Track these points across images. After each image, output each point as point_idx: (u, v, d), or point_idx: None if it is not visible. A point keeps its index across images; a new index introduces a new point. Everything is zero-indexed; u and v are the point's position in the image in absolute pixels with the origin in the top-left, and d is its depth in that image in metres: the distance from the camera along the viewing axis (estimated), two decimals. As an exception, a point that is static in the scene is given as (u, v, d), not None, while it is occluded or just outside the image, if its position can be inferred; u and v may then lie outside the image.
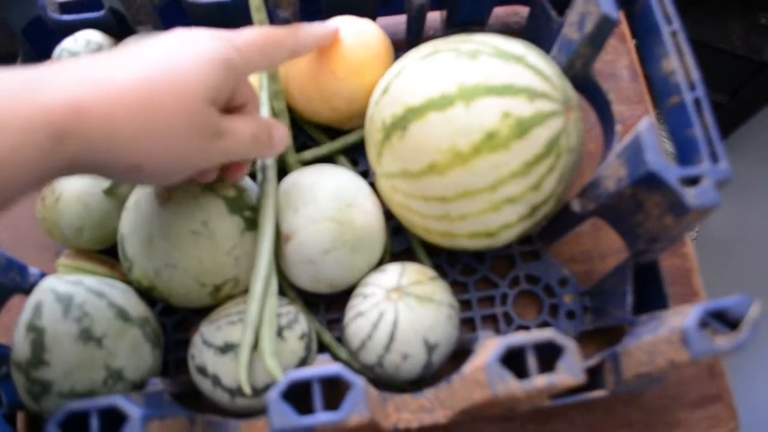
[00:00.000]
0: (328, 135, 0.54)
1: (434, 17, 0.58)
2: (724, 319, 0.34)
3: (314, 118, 0.51)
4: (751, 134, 1.18)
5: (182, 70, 0.34)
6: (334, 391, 0.36)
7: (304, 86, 0.48)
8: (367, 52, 0.48)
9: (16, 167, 0.29)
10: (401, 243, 0.51)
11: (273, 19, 0.50)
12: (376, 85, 0.48)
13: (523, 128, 0.39)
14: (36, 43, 0.52)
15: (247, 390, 0.39)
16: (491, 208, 0.41)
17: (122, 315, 0.42)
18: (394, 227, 0.51)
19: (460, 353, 0.46)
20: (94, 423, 0.33)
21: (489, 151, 0.39)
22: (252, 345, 0.41)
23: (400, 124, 0.41)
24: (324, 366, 0.34)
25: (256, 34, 0.40)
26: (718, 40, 1.14)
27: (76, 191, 0.46)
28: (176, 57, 0.35)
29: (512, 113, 0.39)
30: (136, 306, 0.43)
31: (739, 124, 1.22)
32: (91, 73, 0.32)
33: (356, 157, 0.54)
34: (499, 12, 0.59)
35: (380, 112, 0.43)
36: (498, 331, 0.49)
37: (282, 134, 0.43)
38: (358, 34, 0.48)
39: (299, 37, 0.43)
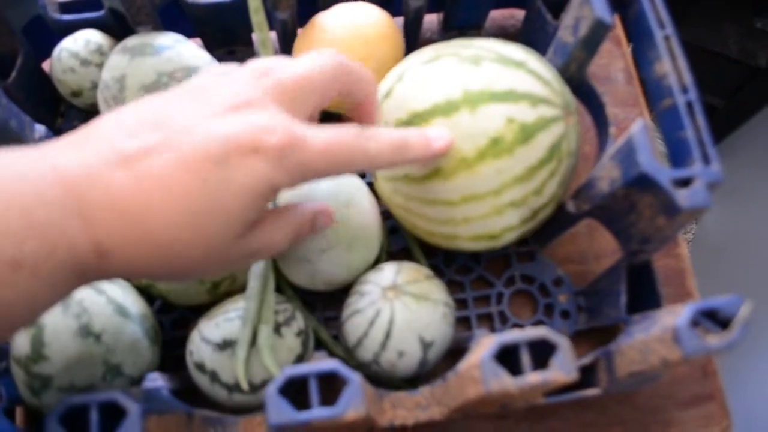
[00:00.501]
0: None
1: (431, 20, 0.59)
2: (716, 319, 0.35)
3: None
4: (745, 138, 1.19)
5: (212, 217, 0.31)
6: (331, 387, 0.37)
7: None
8: (391, 22, 0.51)
9: (47, 302, 0.30)
10: (398, 242, 0.52)
11: (271, 21, 0.51)
12: (398, 55, 0.50)
13: (526, 134, 0.40)
14: (36, 42, 0.52)
15: (245, 386, 0.40)
16: (495, 212, 0.41)
17: (121, 311, 0.42)
18: (391, 226, 0.52)
19: (456, 351, 0.46)
20: (94, 417, 0.33)
21: (494, 156, 0.40)
22: (250, 342, 0.41)
23: None
24: (321, 362, 0.34)
25: (326, 146, 0.33)
26: (713, 44, 1.15)
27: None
28: (209, 203, 0.30)
29: (516, 119, 0.40)
30: (134, 302, 0.44)
31: (734, 127, 1.22)
32: (120, 214, 0.30)
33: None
34: (495, 15, 0.59)
35: (383, 116, 0.44)
36: (493, 330, 0.50)
37: (326, 219, 0.40)
38: (381, 11, 0.52)
39: (383, 153, 0.36)
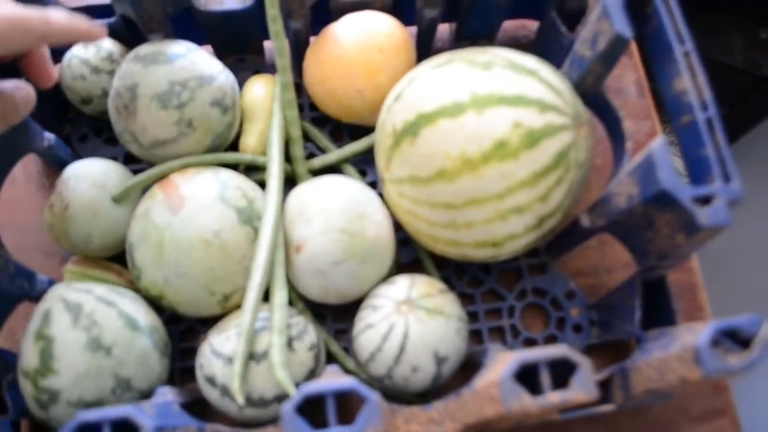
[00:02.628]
0: (336, 144, 0.54)
1: (444, 29, 0.59)
2: (735, 338, 0.34)
3: (346, 109, 0.51)
4: (750, 147, 1.19)
5: None
6: (344, 402, 0.36)
7: (349, 64, 0.49)
8: (404, 32, 0.51)
9: None
10: (408, 254, 0.51)
11: (285, 30, 0.50)
12: (412, 63, 0.51)
13: (533, 139, 0.39)
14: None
15: (240, 400, 0.39)
16: (498, 217, 0.41)
17: (131, 324, 0.42)
18: (402, 238, 0.51)
19: (468, 365, 0.46)
20: (107, 434, 0.33)
21: (498, 159, 0.39)
22: (247, 355, 0.41)
23: (411, 129, 0.42)
24: (338, 380, 0.34)
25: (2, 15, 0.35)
26: (719, 55, 1.15)
27: (84, 199, 0.46)
28: None
29: (523, 123, 0.39)
30: (145, 315, 0.43)
31: (739, 136, 1.22)
32: None
33: (365, 168, 0.54)
34: (507, 26, 0.59)
35: (392, 118, 0.44)
36: (505, 344, 0.49)
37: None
38: (394, 20, 0.52)
39: (51, 24, 0.38)
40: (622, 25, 0.40)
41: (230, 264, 0.44)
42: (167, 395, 0.41)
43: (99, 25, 0.41)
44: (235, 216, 0.44)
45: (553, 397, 0.33)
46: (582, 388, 0.33)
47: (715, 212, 0.35)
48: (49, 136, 0.48)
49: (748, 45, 1.15)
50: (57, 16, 0.38)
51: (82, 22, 0.40)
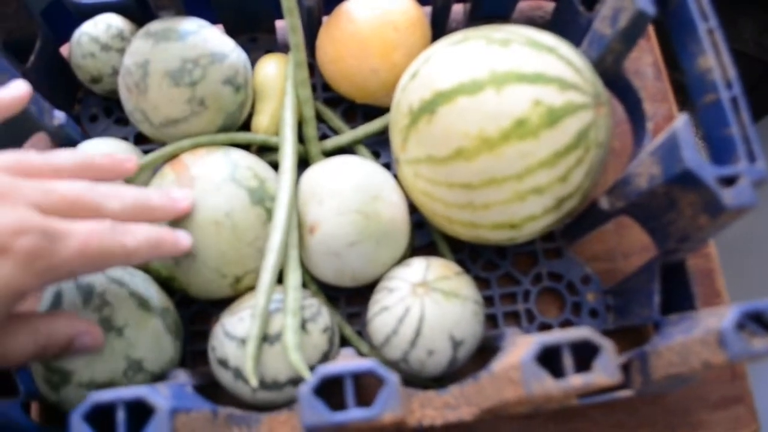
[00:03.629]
0: (350, 125, 0.53)
1: (458, 10, 0.58)
2: (760, 321, 0.34)
3: (360, 88, 0.50)
4: (763, 133, 1.18)
5: None
6: (359, 386, 0.36)
7: (363, 42, 0.48)
8: (419, 10, 0.50)
9: None
10: (423, 237, 0.50)
11: (297, 7, 0.49)
12: (427, 42, 0.50)
13: (553, 117, 0.39)
14: (55, 27, 0.51)
15: (254, 382, 0.39)
16: (517, 198, 0.40)
17: (143, 305, 0.41)
18: (417, 221, 0.50)
19: (483, 350, 0.45)
20: (121, 415, 0.32)
21: (518, 138, 0.39)
22: (260, 337, 0.40)
23: (428, 108, 0.41)
24: (356, 361, 0.33)
25: (81, 248, 0.32)
26: (730, 41, 1.13)
27: (95, 178, 0.45)
28: None
29: (543, 102, 0.38)
30: (157, 295, 0.43)
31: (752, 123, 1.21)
32: None
33: (378, 149, 0.53)
34: (523, 6, 0.58)
35: (407, 97, 0.43)
36: (520, 328, 0.49)
37: (90, 341, 0.37)
38: None
39: (132, 258, 0.35)
40: (644, 1, 0.39)
41: (241, 246, 0.43)
42: (180, 377, 0.41)
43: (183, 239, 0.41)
44: (246, 196, 0.43)
45: (576, 380, 0.32)
46: (605, 371, 0.32)
47: (739, 192, 0.35)
48: (59, 115, 0.47)
49: (760, 31, 1.14)
50: (144, 248, 0.36)
51: (168, 242, 0.38)
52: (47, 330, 0.36)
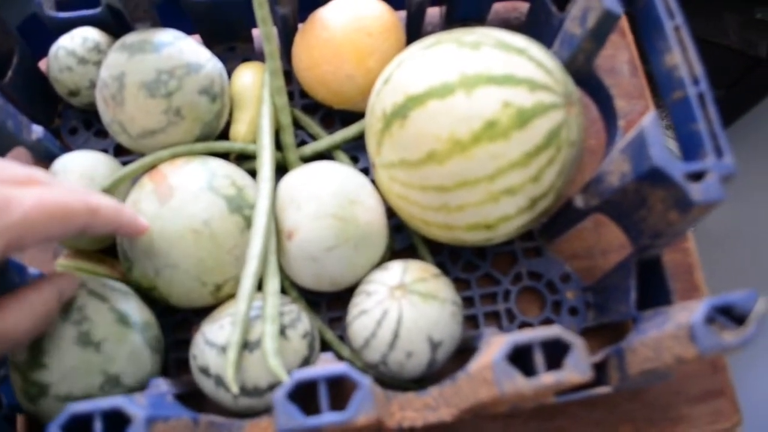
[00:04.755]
0: (328, 131, 0.53)
1: (434, 13, 0.58)
2: (730, 314, 0.34)
3: (337, 94, 0.50)
4: (747, 128, 1.18)
5: None
6: (339, 389, 0.36)
7: (338, 49, 0.48)
8: (393, 15, 0.51)
9: None
10: (403, 240, 0.51)
11: (272, 16, 0.50)
12: (401, 46, 0.50)
13: (523, 118, 0.39)
14: (32, 41, 0.51)
15: (234, 389, 0.39)
16: (490, 199, 0.40)
17: (123, 320, 0.41)
18: (396, 225, 0.51)
19: (464, 351, 0.45)
20: (98, 426, 0.32)
21: (488, 140, 0.39)
22: (241, 344, 0.40)
23: (401, 112, 0.41)
24: (330, 365, 0.34)
25: (38, 201, 0.33)
26: (714, 35, 1.14)
27: (74, 191, 0.46)
28: None
29: (513, 103, 0.39)
30: (137, 311, 0.43)
31: (736, 118, 1.22)
32: None
33: (356, 154, 0.53)
34: (498, 8, 0.58)
35: (381, 102, 0.43)
36: (501, 328, 0.49)
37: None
38: (383, 3, 0.51)
39: (97, 215, 0.36)
40: (611, 1, 0.39)
41: (220, 253, 0.43)
42: (161, 386, 0.41)
43: (142, 220, 0.42)
44: (224, 205, 0.43)
45: (547, 378, 0.32)
46: (576, 368, 0.33)
47: (707, 188, 0.35)
48: (37, 129, 0.48)
49: (743, 25, 1.14)
50: (105, 206, 0.37)
51: (127, 213, 0.39)
52: (45, 291, 0.36)
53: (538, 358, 0.33)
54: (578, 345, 0.33)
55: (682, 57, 0.39)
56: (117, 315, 0.41)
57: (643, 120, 0.36)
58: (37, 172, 0.36)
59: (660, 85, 0.41)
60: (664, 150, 0.35)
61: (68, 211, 0.34)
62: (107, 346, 0.40)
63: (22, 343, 0.35)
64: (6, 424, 0.43)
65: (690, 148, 0.38)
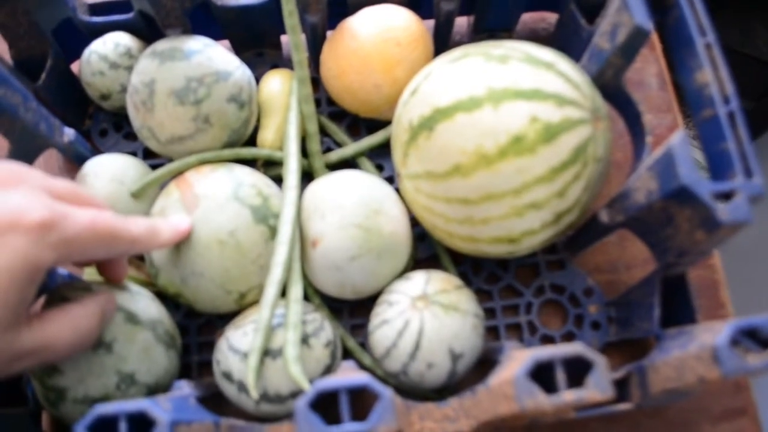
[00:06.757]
0: (353, 139, 0.54)
1: (461, 23, 0.58)
2: (755, 337, 0.34)
3: (364, 103, 0.51)
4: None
5: None
6: (359, 398, 0.36)
7: (366, 58, 0.49)
8: (421, 25, 0.51)
9: None
10: (426, 249, 0.51)
11: (300, 24, 0.50)
12: (429, 56, 0.50)
13: (550, 133, 0.39)
14: (66, 45, 0.52)
15: (255, 395, 0.39)
16: (514, 213, 0.41)
17: (131, 318, 0.41)
18: (419, 233, 0.51)
19: (484, 362, 0.45)
20: (123, 427, 0.33)
21: (515, 154, 0.39)
22: (263, 350, 0.41)
23: (427, 124, 0.41)
24: (352, 376, 0.34)
25: (91, 222, 0.34)
26: (743, 46, 1.13)
27: (103, 194, 0.46)
28: None
29: (540, 118, 0.39)
30: (145, 308, 0.43)
31: (764, 130, 1.20)
32: None
33: (382, 162, 0.54)
34: (526, 18, 0.58)
35: (408, 113, 0.43)
36: (522, 341, 0.49)
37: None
38: (411, 13, 0.51)
39: (136, 244, 0.38)
40: (642, 17, 0.39)
41: (245, 263, 0.44)
42: (184, 389, 0.41)
43: (179, 225, 0.43)
44: (249, 215, 0.44)
45: (568, 396, 0.32)
46: (597, 387, 0.33)
47: (735, 208, 0.35)
48: (69, 132, 0.49)
49: (775, 37, 1.13)
50: (145, 236, 0.38)
51: (163, 238, 0.41)
52: (90, 307, 0.37)
53: (560, 375, 0.33)
54: (600, 363, 0.33)
55: (713, 75, 0.38)
56: (125, 314, 0.41)
57: (672, 138, 0.36)
58: (83, 191, 0.38)
59: (690, 103, 0.40)
60: (692, 169, 0.35)
61: (114, 237, 0.36)
62: (118, 345, 0.40)
63: (63, 355, 0.36)
64: (32, 422, 0.43)
65: (719, 167, 0.37)
